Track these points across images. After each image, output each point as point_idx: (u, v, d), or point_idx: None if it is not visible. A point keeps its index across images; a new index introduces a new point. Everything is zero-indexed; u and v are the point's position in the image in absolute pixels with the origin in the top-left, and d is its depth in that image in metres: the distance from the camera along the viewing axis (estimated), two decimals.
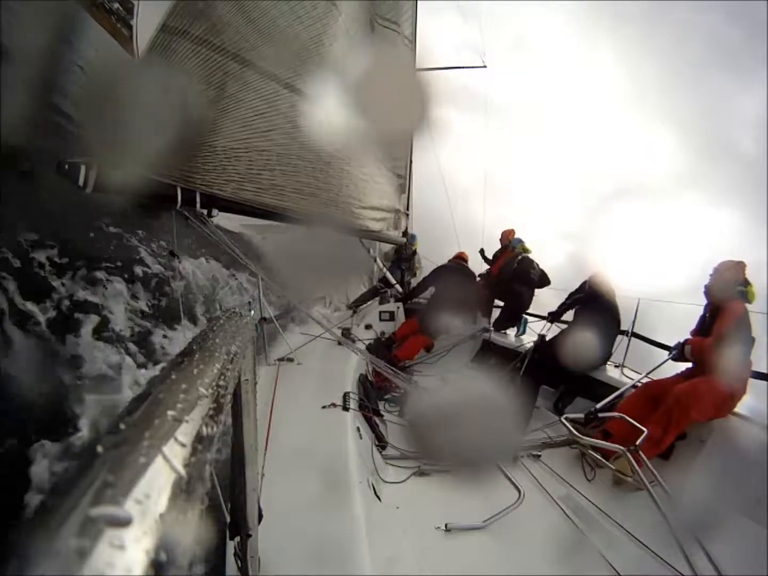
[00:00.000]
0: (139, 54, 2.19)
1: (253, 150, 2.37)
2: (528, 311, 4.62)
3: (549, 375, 3.33)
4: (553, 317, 3.87)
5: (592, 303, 3.37)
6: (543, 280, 4.58)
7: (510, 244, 5.05)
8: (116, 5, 3.93)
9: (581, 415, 2.27)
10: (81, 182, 1.68)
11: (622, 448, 1.85)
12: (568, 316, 3.81)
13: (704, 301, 2.54)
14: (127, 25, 3.97)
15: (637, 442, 1.84)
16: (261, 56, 2.44)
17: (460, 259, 4.84)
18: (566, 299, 3.82)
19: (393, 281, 5.48)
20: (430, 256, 5.43)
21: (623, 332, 3.29)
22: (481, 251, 5.62)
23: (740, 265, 2.40)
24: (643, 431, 1.86)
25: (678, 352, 2.51)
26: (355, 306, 5.26)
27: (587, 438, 2.10)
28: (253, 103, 2.40)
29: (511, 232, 5.24)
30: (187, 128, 2.01)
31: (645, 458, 1.77)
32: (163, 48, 2.09)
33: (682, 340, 2.62)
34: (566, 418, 2.12)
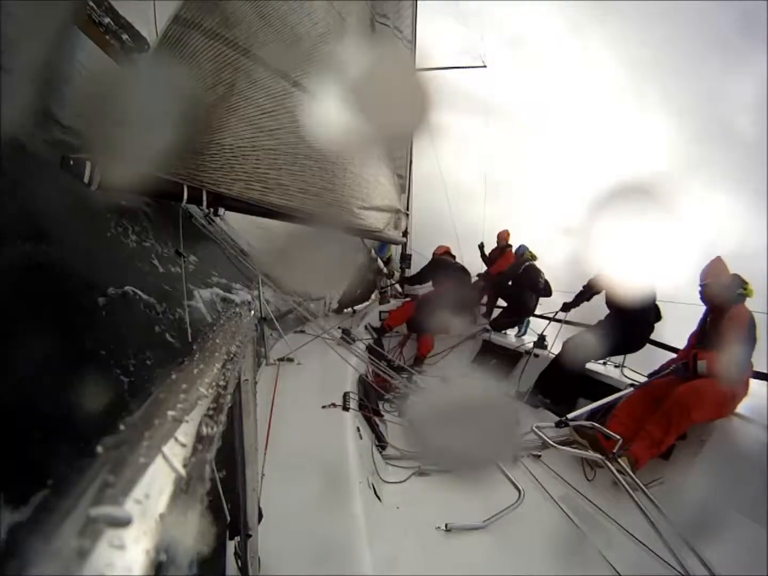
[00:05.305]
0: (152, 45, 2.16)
1: (260, 149, 2.34)
2: (535, 314, 4.66)
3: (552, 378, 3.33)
4: (568, 307, 3.80)
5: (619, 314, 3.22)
6: (547, 290, 4.63)
7: (513, 248, 5.11)
8: (107, 20, 3.88)
9: (552, 424, 2.23)
10: (86, 179, 1.67)
11: (600, 456, 1.86)
12: (572, 316, 3.82)
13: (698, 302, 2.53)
14: (117, 39, 3.94)
15: (614, 450, 1.86)
16: (271, 53, 2.41)
17: (447, 254, 4.82)
18: (581, 293, 3.74)
19: (392, 281, 5.50)
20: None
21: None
22: (481, 246, 5.63)
23: (721, 262, 2.41)
24: (618, 439, 1.87)
25: (687, 368, 2.37)
26: (352, 305, 5.28)
27: (563, 447, 2.09)
28: (261, 101, 2.37)
29: (507, 232, 5.29)
30: (196, 125, 2.00)
31: (624, 466, 1.82)
32: (176, 40, 2.05)
33: (684, 349, 2.61)
34: (537, 427, 2.09)
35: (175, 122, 1.69)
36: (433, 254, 4.84)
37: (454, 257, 4.83)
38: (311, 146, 2.53)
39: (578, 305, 3.74)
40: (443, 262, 4.67)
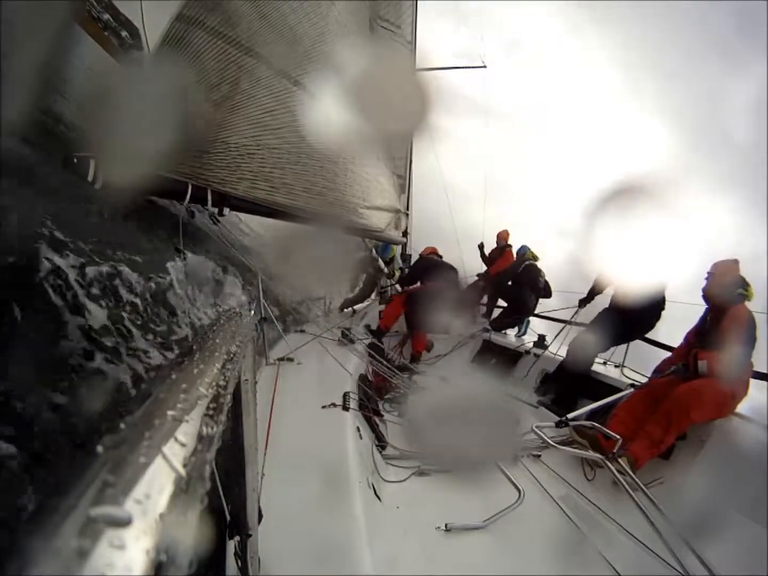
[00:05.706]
0: (155, 43, 2.14)
1: (264, 147, 2.31)
2: (535, 314, 4.68)
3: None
4: (584, 303, 3.82)
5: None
6: (547, 291, 4.66)
7: (514, 248, 5.14)
8: (106, 16, 3.85)
9: (552, 424, 2.22)
10: (90, 177, 1.66)
11: (600, 456, 1.86)
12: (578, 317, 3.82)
13: (699, 301, 2.52)
14: (116, 35, 3.92)
15: (614, 450, 1.85)
16: (273, 52, 2.40)
17: (434, 254, 4.85)
18: (591, 289, 3.76)
19: (393, 281, 5.51)
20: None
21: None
22: (481, 246, 5.67)
23: (736, 264, 2.39)
24: (618, 439, 1.87)
25: (687, 368, 2.36)
26: (352, 305, 5.30)
27: (564, 447, 2.09)
28: (264, 99, 2.35)
29: (506, 232, 5.33)
30: (201, 123, 1.99)
31: (624, 466, 1.82)
32: (180, 38, 2.04)
33: (681, 346, 2.59)
34: (537, 426, 2.09)
35: (179, 120, 1.68)
36: (420, 255, 4.89)
37: (440, 257, 4.87)
38: (313, 145, 2.52)
39: (592, 300, 3.75)
40: (429, 260, 4.72)
